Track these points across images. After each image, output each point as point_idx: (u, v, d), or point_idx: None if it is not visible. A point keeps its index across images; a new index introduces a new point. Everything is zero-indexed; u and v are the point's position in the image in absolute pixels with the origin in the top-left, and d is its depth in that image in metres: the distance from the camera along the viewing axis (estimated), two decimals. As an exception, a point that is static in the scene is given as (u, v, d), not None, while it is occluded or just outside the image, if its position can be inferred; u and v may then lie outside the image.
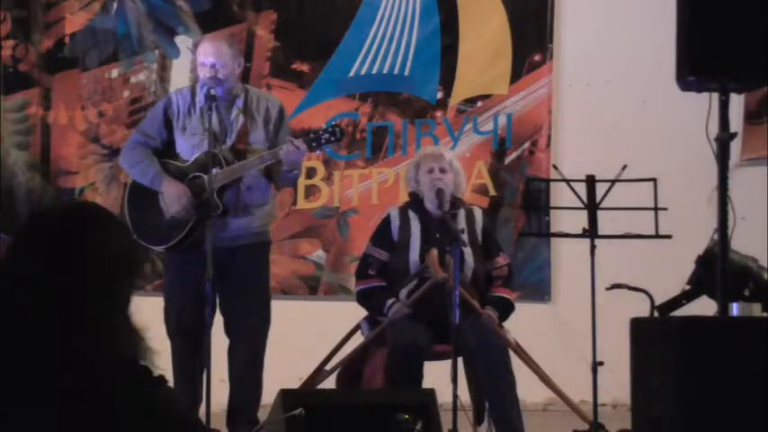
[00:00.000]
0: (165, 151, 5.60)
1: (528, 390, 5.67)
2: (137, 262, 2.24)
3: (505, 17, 7.80)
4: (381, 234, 5.70)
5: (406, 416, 4.58)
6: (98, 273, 2.14)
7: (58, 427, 2.05)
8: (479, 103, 7.86)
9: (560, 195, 6.34)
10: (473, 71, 7.85)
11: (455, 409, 5.00)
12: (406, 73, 7.93)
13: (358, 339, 5.69)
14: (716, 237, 4.35)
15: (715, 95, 4.35)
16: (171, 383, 2.21)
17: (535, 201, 6.64)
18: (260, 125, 5.56)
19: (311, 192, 7.96)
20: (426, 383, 5.26)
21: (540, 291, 7.68)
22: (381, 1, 7.99)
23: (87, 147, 8.24)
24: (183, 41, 8.19)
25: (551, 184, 6.44)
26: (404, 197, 7.57)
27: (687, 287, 4.60)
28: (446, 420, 4.90)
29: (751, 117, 7.33)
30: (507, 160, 7.80)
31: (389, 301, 5.51)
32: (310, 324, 7.34)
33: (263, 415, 5.33)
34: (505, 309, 5.60)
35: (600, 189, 5.56)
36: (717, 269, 4.30)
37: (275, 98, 5.83)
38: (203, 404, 5.27)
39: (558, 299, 7.69)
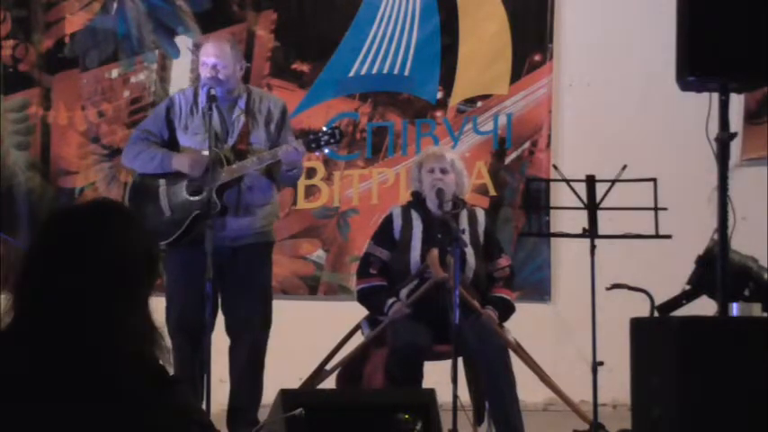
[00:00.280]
0: (167, 149, 5.60)
1: (528, 390, 5.67)
2: (157, 260, 2.23)
3: (505, 17, 7.80)
4: (383, 233, 5.70)
5: (406, 416, 4.58)
6: (122, 272, 2.14)
7: (78, 426, 2.04)
8: (479, 103, 7.86)
9: (560, 195, 6.34)
10: (473, 71, 7.85)
11: (455, 409, 5.00)
12: (406, 73, 7.93)
13: (358, 339, 5.69)
14: (716, 237, 4.35)
15: (715, 95, 4.36)
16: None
17: (535, 201, 6.64)
18: (261, 126, 5.57)
19: (311, 192, 7.96)
20: (426, 383, 5.26)
21: (540, 291, 7.68)
22: (381, 1, 7.99)
23: (87, 147, 8.24)
24: (183, 41, 8.19)
25: (551, 184, 6.44)
26: (404, 197, 7.58)
27: (687, 287, 4.60)
28: (446, 420, 4.90)
29: (751, 117, 7.33)
30: (507, 160, 7.80)
31: (390, 301, 5.51)
32: (310, 324, 7.33)
33: (262, 415, 5.33)
34: (506, 309, 5.60)
35: (600, 189, 5.56)
36: (717, 269, 4.30)
37: (278, 98, 5.83)
38: (203, 404, 5.27)
39: (558, 299, 7.69)
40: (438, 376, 5.24)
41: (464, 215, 5.68)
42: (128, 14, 8.22)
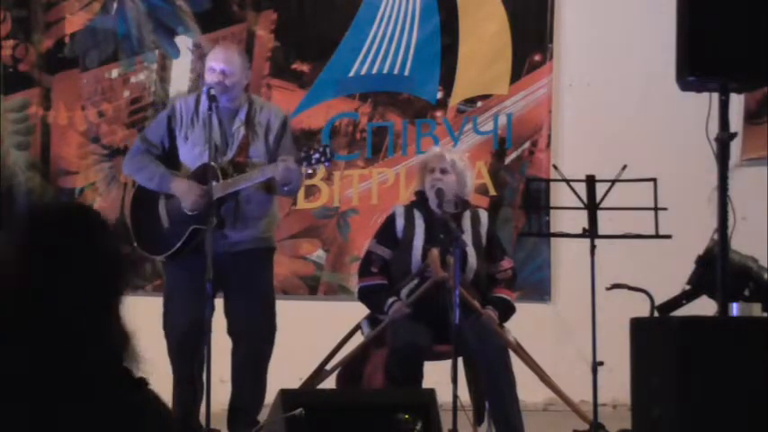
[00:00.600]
0: (167, 160, 5.60)
1: (528, 390, 5.67)
2: (128, 264, 2.23)
3: (505, 17, 7.79)
4: (385, 232, 5.70)
5: (406, 416, 4.58)
6: (93, 275, 2.14)
7: (48, 427, 2.05)
8: (479, 103, 7.86)
9: (560, 195, 6.34)
10: (473, 71, 7.85)
11: (455, 409, 5.00)
12: (406, 73, 7.93)
13: (358, 339, 5.69)
14: (716, 237, 4.35)
15: (715, 95, 4.36)
16: (152, 386, 2.20)
17: (535, 201, 6.64)
18: (261, 138, 5.55)
19: (311, 192, 7.96)
20: (426, 383, 5.26)
21: (540, 291, 7.68)
22: (381, 1, 7.99)
23: (87, 147, 8.24)
24: (183, 41, 8.19)
25: (551, 184, 6.44)
26: (404, 197, 7.58)
27: (687, 287, 4.60)
28: (446, 420, 4.90)
29: (751, 117, 7.33)
30: (507, 160, 7.80)
31: (390, 300, 5.51)
32: (310, 324, 7.33)
33: (262, 415, 5.33)
34: (506, 309, 5.60)
35: (600, 189, 5.56)
36: (717, 269, 4.30)
37: (279, 109, 5.77)
38: (203, 404, 5.27)
39: (558, 299, 7.69)
40: (438, 376, 5.24)
41: (467, 216, 5.68)
42: (128, 14, 8.22)
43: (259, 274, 5.57)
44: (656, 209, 5.50)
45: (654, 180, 5.51)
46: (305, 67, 8.05)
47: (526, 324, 5.92)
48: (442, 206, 5.52)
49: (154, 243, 5.60)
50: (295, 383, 5.74)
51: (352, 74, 7.99)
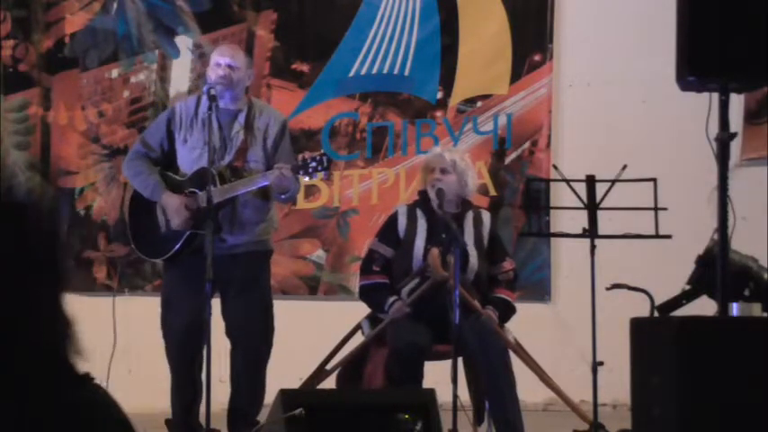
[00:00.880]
0: (166, 162, 5.60)
1: (528, 390, 5.67)
2: (62, 258, 2.15)
3: (505, 17, 7.80)
4: (388, 231, 5.70)
5: (406, 416, 4.58)
6: (29, 268, 2.07)
7: None
8: (479, 103, 7.86)
9: (560, 195, 6.34)
10: (473, 71, 7.86)
11: (455, 409, 5.00)
12: (406, 73, 7.93)
13: (358, 339, 5.69)
14: (716, 237, 4.35)
15: (715, 95, 4.35)
16: (98, 381, 2.11)
17: (535, 201, 6.64)
18: (259, 143, 5.53)
19: (311, 192, 7.96)
20: (426, 383, 5.26)
21: (540, 291, 7.68)
22: (381, 1, 7.99)
23: (87, 147, 8.25)
24: (183, 41, 8.20)
25: (551, 184, 6.44)
26: (404, 197, 7.59)
27: (687, 287, 4.59)
28: (446, 420, 4.90)
29: (751, 117, 7.33)
30: (507, 160, 7.80)
31: (391, 299, 5.51)
32: (310, 324, 7.34)
33: (262, 415, 5.33)
34: (506, 310, 5.60)
35: (600, 189, 5.56)
36: (717, 269, 4.30)
37: (279, 114, 5.75)
38: (203, 404, 5.27)
39: (558, 299, 7.69)
40: (438, 376, 5.24)
41: (469, 216, 5.68)
42: (128, 14, 8.23)
43: (256, 276, 5.56)
44: (656, 209, 5.50)
45: (654, 180, 5.51)
46: (305, 67, 8.06)
47: (526, 324, 5.92)
48: (442, 206, 5.52)
49: (151, 246, 5.60)
50: (295, 383, 5.74)
51: (352, 74, 7.99)
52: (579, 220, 5.67)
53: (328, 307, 7.69)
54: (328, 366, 5.67)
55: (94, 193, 8.20)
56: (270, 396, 4.87)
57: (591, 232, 5.56)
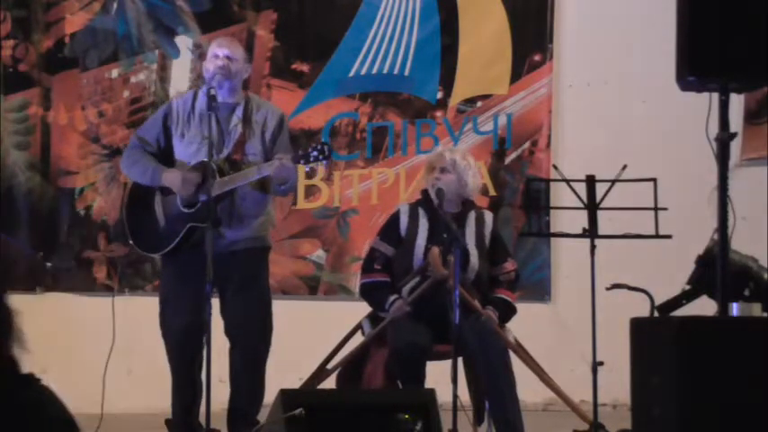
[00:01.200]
0: (162, 158, 5.59)
1: (528, 390, 5.67)
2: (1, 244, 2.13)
3: (505, 17, 7.80)
4: (389, 229, 5.70)
5: (406, 416, 4.57)
6: None
7: None
8: (479, 103, 7.86)
9: (560, 195, 6.34)
10: (473, 71, 7.86)
11: (455, 409, 4.99)
12: (406, 73, 7.93)
13: (358, 339, 5.68)
14: (716, 237, 4.35)
15: (715, 95, 4.35)
16: (43, 381, 2.06)
17: (535, 201, 6.64)
18: (257, 136, 5.53)
19: (311, 192, 7.96)
20: (426, 383, 5.26)
21: (540, 291, 7.69)
22: (381, 1, 7.99)
23: (87, 147, 8.24)
24: (183, 41, 8.20)
25: (551, 184, 6.44)
26: (404, 197, 7.59)
27: (687, 287, 4.59)
28: (446, 420, 4.90)
29: (751, 117, 7.33)
30: (507, 160, 7.80)
31: (391, 298, 5.52)
32: (310, 324, 7.34)
33: (262, 415, 5.32)
34: (506, 310, 5.60)
35: (600, 189, 5.56)
36: (717, 269, 4.30)
37: (276, 108, 5.75)
38: (203, 404, 5.27)
39: (558, 299, 7.69)
40: (438, 376, 5.24)
41: (471, 216, 5.68)
42: (128, 14, 8.22)
43: (255, 274, 5.56)
44: (656, 209, 5.50)
45: (654, 180, 5.51)
46: (305, 67, 8.05)
47: (526, 324, 5.92)
48: (442, 205, 5.52)
49: (150, 241, 5.58)
50: (295, 383, 5.74)
51: (352, 74, 7.99)
52: (579, 220, 5.67)
53: (328, 307, 7.69)
54: (329, 366, 5.67)
55: (94, 193, 8.20)
56: (270, 396, 4.87)
57: (591, 232, 5.56)
